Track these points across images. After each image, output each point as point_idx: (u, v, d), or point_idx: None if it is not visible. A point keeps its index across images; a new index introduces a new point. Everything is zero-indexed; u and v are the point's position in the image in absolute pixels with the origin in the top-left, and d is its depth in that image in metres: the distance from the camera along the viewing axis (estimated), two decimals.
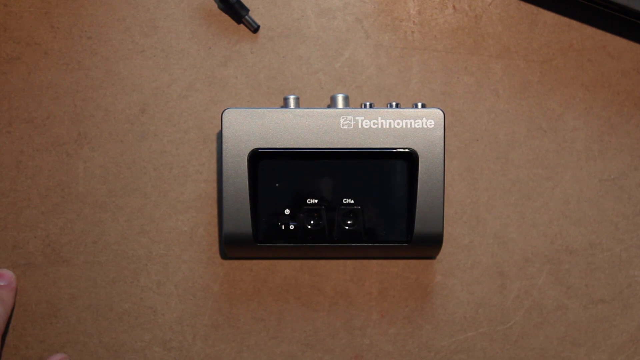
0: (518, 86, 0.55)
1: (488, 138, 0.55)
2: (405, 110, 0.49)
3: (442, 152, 0.48)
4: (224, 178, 0.48)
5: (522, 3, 0.57)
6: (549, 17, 0.57)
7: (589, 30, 0.56)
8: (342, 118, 0.48)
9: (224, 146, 0.48)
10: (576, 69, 0.56)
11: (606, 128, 0.55)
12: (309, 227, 0.48)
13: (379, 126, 0.48)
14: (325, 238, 0.49)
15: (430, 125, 0.48)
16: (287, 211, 0.49)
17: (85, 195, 0.53)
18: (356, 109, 0.49)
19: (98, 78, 0.55)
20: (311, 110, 0.49)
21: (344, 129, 0.48)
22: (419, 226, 0.48)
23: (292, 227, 0.48)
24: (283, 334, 0.53)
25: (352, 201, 0.49)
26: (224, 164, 0.48)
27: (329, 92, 0.55)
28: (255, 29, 0.56)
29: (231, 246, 0.49)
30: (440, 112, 0.48)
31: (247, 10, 0.55)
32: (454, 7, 0.57)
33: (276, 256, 0.52)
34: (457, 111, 0.55)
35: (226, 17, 0.56)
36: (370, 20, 0.56)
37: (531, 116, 0.55)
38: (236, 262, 0.53)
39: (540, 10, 0.57)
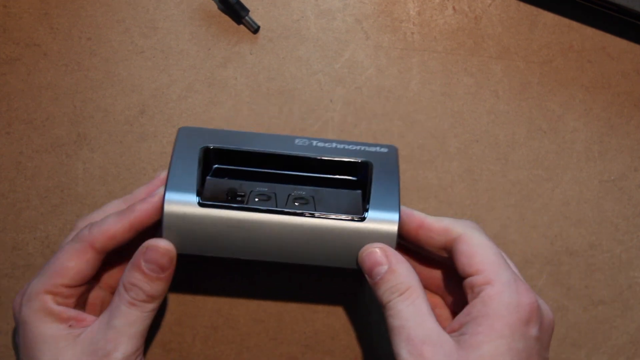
0: (518, 87, 0.55)
1: (488, 139, 0.55)
2: (359, 141, 0.49)
3: (397, 164, 0.48)
4: (173, 162, 0.46)
5: (522, 4, 0.57)
6: (548, 18, 0.57)
7: (588, 31, 0.56)
8: (297, 140, 0.48)
9: (178, 143, 0.47)
10: (576, 70, 0.56)
11: (606, 129, 0.55)
12: (257, 199, 0.46)
13: (333, 147, 0.48)
14: (274, 210, 0.45)
15: (384, 150, 0.48)
16: (236, 190, 0.46)
17: (84, 197, 0.53)
18: (311, 137, 0.49)
19: (97, 79, 0.55)
20: (266, 133, 0.48)
21: (299, 145, 0.48)
22: (374, 207, 0.46)
23: (239, 199, 0.46)
24: (283, 335, 0.53)
25: (304, 193, 0.47)
26: (175, 155, 0.46)
27: (328, 93, 0.55)
28: (255, 29, 0.56)
29: (173, 211, 0.44)
30: (395, 146, 0.48)
31: (247, 10, 0.55)
32: (453, 8, 0.57)
33: (220, 230, 0.46)
34: (456, 112, 0.55)
35: (226, 18, 0.56)
36: (370, 21, 0.56)
37: (531, 117, 0.55)
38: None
39: (540, 11, 0.57)
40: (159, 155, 0.54)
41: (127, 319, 0.40)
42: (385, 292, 0.41)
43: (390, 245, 0.44)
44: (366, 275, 0.43)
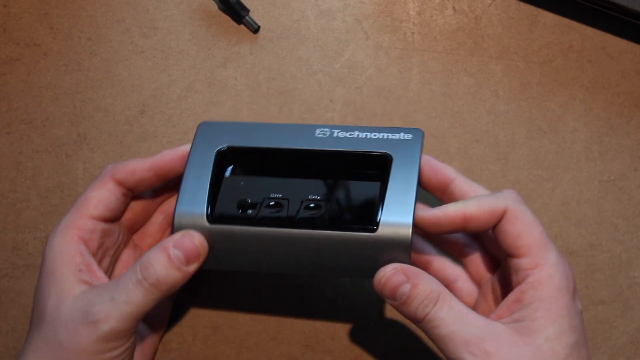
0: (518, 87, 0.55)
1: (488, 139, 0.55)
2: (383, 127, 0.46)
3: (418, 155, 0.45)
4: (187, 169, 0.45)
5: (522, 4, 0.57)
6: (548, 18, 0.57)
7: (589, 31, 0.56)
8: (318, 129, 0.46)
9: (194, 143, 0.46)
10: (576, 70, 0.56)
11: (606, 129, 0.55)
12: (268, 210, 0.44)
13: (355, 137, 0.46)
14: (284, 222, 0.44)
15: (408, 137, 0.46)
16: (248, 200, 0.45)
17: None
18: (333, 125, 0.47)
19: (97, 79, 0.55)
20: (287, 124, 0.47)
21: (319, 137, 0.47)
22: (387, 215, 0.42)
23: (250, 212, 0.44)
24: (283, 335, 0.53)
25: (318, 197, 0.45)
26: (190, 159, 0.45)
27: (328, 93, 0.55)
28: (255, 29, 0.56)
29: (183, 226, 0.44)
30: (420, 130, 0.46)
31: (248, 10, 0.55)
32: (453, 8, 0.57)
33: (231, 245, 0.45)
34: (456, 112, 0.55)
35: (226, 18, 0.56)
36: (370, 21, 0.56)
37: (531, 117, 0.55)
38: None
39: (540, 11, 0.57)
40: None
41: (128, 297, 0.40)
42: (418, 307, 0.40)
43: (405, 252, 0.42)
44: (389, 301, 0.41)
